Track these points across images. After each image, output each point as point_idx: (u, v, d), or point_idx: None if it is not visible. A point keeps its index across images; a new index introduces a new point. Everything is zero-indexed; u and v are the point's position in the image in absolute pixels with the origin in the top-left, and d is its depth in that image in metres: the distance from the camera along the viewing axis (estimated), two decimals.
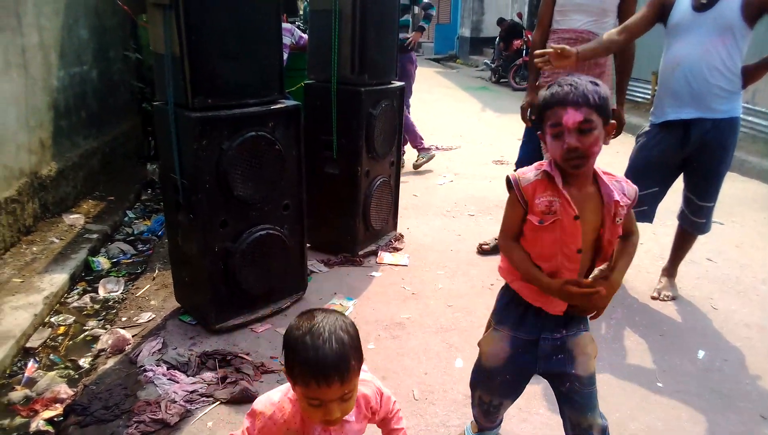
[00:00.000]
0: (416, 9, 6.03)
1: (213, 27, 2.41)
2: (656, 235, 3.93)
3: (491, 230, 4.00)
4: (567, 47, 2.59)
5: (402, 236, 3.88)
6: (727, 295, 3.20)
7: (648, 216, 3.04)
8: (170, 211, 2.77)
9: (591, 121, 1.43)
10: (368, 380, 1.45)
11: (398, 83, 3.60)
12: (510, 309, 1.68)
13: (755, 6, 2.59)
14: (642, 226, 3.36)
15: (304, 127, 3.40)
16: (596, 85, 1.46)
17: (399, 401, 2.20)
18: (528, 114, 3.38)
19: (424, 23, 6.17)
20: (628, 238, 1.64)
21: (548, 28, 3.25)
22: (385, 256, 3.58)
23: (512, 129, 7.39)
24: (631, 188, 1.58)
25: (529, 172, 1.55)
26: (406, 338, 2.70)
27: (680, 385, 2.41)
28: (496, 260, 3.36)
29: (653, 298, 3.13)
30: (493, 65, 13.59)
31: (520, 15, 13.27)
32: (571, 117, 1.43)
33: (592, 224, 1.53)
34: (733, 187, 5.39)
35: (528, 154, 3.44)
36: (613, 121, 1.51)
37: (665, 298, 3.10)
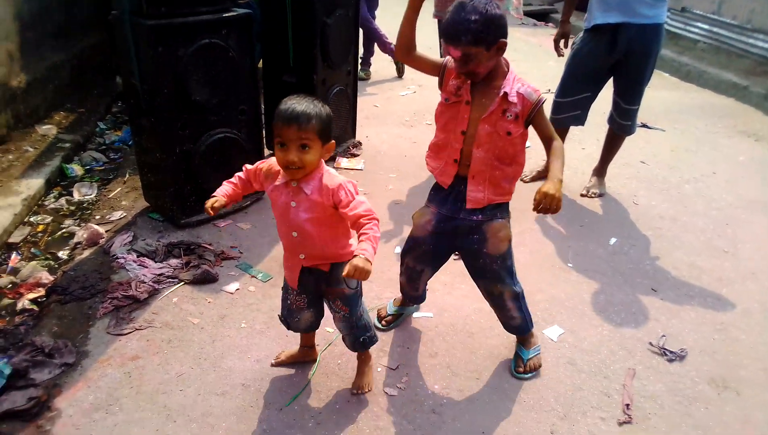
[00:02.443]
0: None
1: None
2: (599, 141, 4.19)
3: None
4: None
5: (360, 143, 4.11)
6: (650, 192, 3.52)
7: (580, 119, 3.30)
8: (134, 116, 2.97)
9: (469, 54, 1.70)
10: (339, 179, 1.66)
11: None
12: (437, 191, 2.00)
13: None
14: (586, 133, 3.66)
15: (263, 36, 3.56)
16: (476, 16, 1.64)
17: None
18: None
19: None
20: (550, 143, 1.88)
21: None
22: (342, 162, 3.83)
23: None
24: (535, 95, 1.79)
25: (451, 59, 1.82)
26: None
27: (588, 265, 2.76)
28: None
29: (582, 195, 3.44)
30: None
31: None
32: (453, 53, 1.74)
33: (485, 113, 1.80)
34: (686, 97, 5.64)
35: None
36: (501, 40, 1.71)
37: (593, 195, 3.41)
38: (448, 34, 1.72)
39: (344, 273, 1.50)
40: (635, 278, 2.66)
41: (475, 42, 1.67)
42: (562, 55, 3.40)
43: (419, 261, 2.10)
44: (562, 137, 3.47)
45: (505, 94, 1.76)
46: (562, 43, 3.38)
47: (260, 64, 5.03)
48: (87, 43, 5.36)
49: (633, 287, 2.60)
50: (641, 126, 4.64)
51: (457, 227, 1.95)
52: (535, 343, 2.18)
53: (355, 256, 1.52)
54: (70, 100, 4.87)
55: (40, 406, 1.92)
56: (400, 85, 5.69)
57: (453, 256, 2.22)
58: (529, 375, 2.11)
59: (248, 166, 1.80)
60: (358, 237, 1.60)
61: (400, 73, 6.01)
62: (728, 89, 5.71)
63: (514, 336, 2.17)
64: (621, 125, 3.29)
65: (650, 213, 3.27)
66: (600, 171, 3.51)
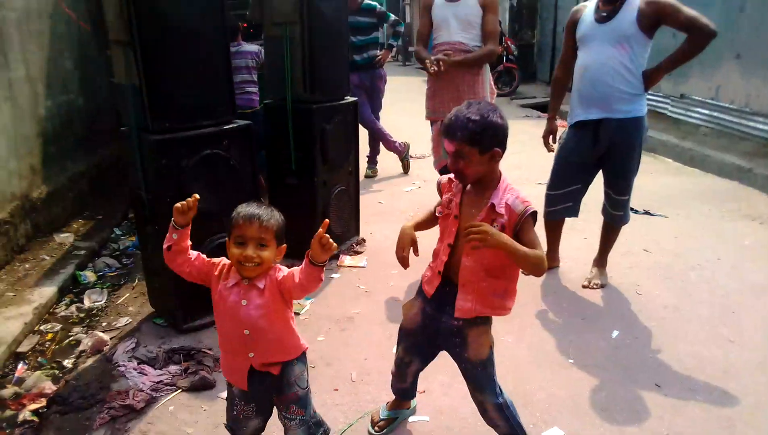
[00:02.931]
0: (385, 26, 6.36)
1: (167, 60, 2.73)
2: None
3: None
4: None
5: (364, 240, 4.19)
6: (653, 281, 3.49)
7: (573, 211, 3.37)
8: (140, 225, 3.10)
9: (461, 152, 1.74)
10: (282, 269, 1.79)
11: (351, 99, 3.93)
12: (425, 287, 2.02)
13: (649, 18, 2.92)
14: (587, 223, 3.67)
15: (267, 142, 3.76)
16: (476, 117, 1.71)
17: (339, 384, 2.54)
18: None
19: (393, 41, 6.51)
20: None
21: (426, 41, 3.91)
22: (346, 259, 3.89)
23: None
24: (522, 206, 1.76)
25: (447, 177, 1.92)
26: (353, 330, 3.01)
27: (589, 359, 2.71)
28: None
29: (584, 286, 3.43)
30: None
31: (499, 22, 13.56)
32: (447, 146, 1.79)
33: None
34: (689, 182, 5.68)
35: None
36: (497, 149, 1.75)
37: (594, 286, 3.40)
38: (447, 127, 1.78)
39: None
40: (638, 373, 2.60)
41: (470, 141, 1.72)
42: (552, 151, 3.50)
43: (408, 351, 2.12)
44: (558, 229, 3.53)
45: (493, 205, 1.77)
46: (550, 138, 3.50)
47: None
48: (107, 153, 5.66)
49: (636, 383, 2.53)
50: (644, 213, 4.68)
51: (439, 328, 1.96)
52: None
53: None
54: (89, 207, 5.09)
55: None
56: (406, 181, 5.85)
57: None
58: None
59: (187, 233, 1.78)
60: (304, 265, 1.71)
61: (406, 169, 6.19)
62: (732, 172, 5.76)
63: None
64: (613, 216, 3.34)
65: (653, 303, 3.23)
66: (600, 261, 3.52)
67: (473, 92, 3.69)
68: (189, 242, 1.79)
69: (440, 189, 1.97)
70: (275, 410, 1.93)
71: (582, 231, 4.21)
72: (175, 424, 2.35)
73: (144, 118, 2.76)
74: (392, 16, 6.35)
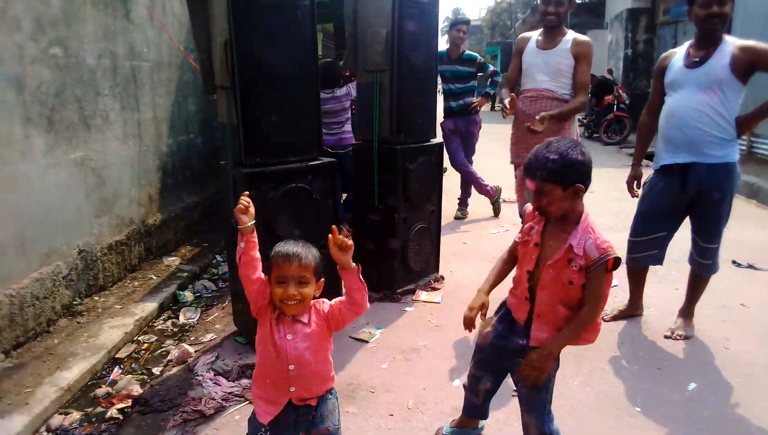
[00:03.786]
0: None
1: (263, 103, 3.02)
2: None
3: None
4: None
5: (442, 278, 4.24)
6: (746, 337, 3.23)
7: (658, 259, 3.23)
8: (230, 250, 3.38)
9: (542, 190, 1.82)
10: (325, 301, 1.85)
11: (436, 141, 4.07)
12: (503, 308, 2.12)
13: (743, 64, 2.83)
14: (681, 273, 3.48)
15: (355, 180, 3.99)
16: (555, 156, 1.78)
17: (394, 410, 2.61)
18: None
19: (490, 89, 6.65)
20: (581, 307, 1.87)
21: (515, 85, 3.84)
22: (422, 295, 3.96)
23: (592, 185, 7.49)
24: (596, 253, 1.79)
25: (531, 204, 1.99)
26: (417, 361, 3.05)
27: (659, 410, 2.56)
28: None
29: (666, 336, 3.24)
30: (585, 121, 13.67)
31: (610, 71, 13.32)
32: (529, 185, 1.86)
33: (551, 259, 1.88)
34: None
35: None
36: (579, 185, 1.79)
37: (678, 337, 3.21)
38: (528, 166, 1.86)
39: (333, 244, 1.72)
40: (711, 429, 2.42)
41: (550, 179, 1.78)
42: (636, 196, 3.39)
43: (478, 367, 2.20)
44: (641, 277, 3.39)
45: (570, 246, 1.81)
46: (634, 184, 3.40)
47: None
48: (218, 188, 6.18)
49: None
50: (747, 267, 4.35)
51: (507, 347, 2.03)
52: None
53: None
54: (197, 235, 5.56)
55: None
56: (494, 224, 5.84)
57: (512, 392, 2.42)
58: None
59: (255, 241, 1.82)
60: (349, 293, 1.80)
61: (497, 213, 6.20)
62: None
63: None
64: (701, 265, 3.16)
65: (741, 359, 2.99)
66: (686, 312, 3.32)
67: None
68: (258, 255, 1.79)
69: (525, 217, 2.04)
70: None
71: (675, 281, 3.99)
72: (239, 432, 2.50)
73: (239, 154, 3.06)
74: (491, 67, 6.51)
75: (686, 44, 3.10)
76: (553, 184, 1.78)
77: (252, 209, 1.83)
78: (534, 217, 1.95)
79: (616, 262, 1.81)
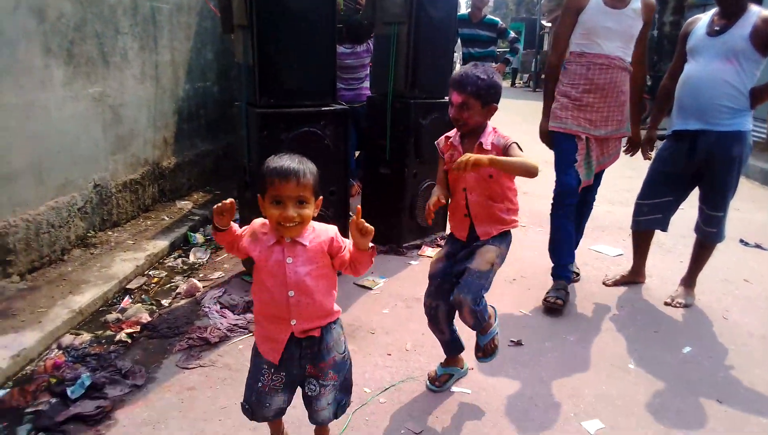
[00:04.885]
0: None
1: (279, 44, 3.05)
2: None
3: (537, 239, 4.28)
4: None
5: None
6: (746, 310, 3.26)
7: (662, 223, 3.25)
8: (240, 191, 3.44)
9: (467, 103, 2.08)
10: (330, 227, 1.69)
11: None
12: (451, 236, 2.36)
13: (764, 35, 2.81)
14: (687, 248, 3.50)
15: (366, 133, 4.00)
16: (484, 77, 2.07)
17: (393, 350, 2.67)
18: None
19: (510, 56, 6.60)
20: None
21: (565, 50, 3.23)
22: (427, 250, 4.02)
23: None
24: (503, 141, 2.11)
25: (443, 138, 2.25)
26: (417, 308, 3.11)
27: (651, 369, 2.62)
28: (526, 260, 3.68)
29: (666, 303, 3.28)
30: None
31: None
32: (456, 98, 2.11)
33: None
34: None
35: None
36: (494, 104, 2.12)
37: (677, 305, 3.25)
38: (458, 82, 2.09)
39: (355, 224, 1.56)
40: (701, 388, 2.47)
41: (476, 95, 2.07)
42: (649, 159, 3.42)
43: (432, 296, 2.34)
44: (645, 242, 3.41)
45: (480, 143, 2.12)
46: (648, 147, 3.43)
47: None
48: (232, 138, 6.23)
49: (695, 395, 2.41)
50: (755, 246, 4.36)
51: (459, 270, 2.23)
52: (490, 325, 2.31)
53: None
54: (210, 183, 5.63)
55: (104, 415, 2.21)
56: None
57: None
58: (489, 358, 2.35)
59: (234, 226, 1.70)
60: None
61: None
62: None
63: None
64: (706, 232, 3.18)
65: (739, 329, 3.03)
66: (688, 281, 3.35)
67: (623, 114, 3.26)
68: (238, 232, 1.71)
69: (441, 151, 2.27)
70: (298, 391, 1.81)
71: (680, 254, 4.01)
72: (240, 359, 2.60)
73: (253, 94, 3.09)
74: (512, 33, 6.45)
75: (712, 12, 3.09)
76: (477, 100, 2.07)
77: (230, 217, 1.64)
78: (450, 146, 2.22)
79: (517, 145, 2.10)
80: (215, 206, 1.63)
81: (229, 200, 1.62)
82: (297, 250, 1.61)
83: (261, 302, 1.69)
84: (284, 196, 1.54)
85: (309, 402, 1.78)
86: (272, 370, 1.71)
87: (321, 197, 1.67)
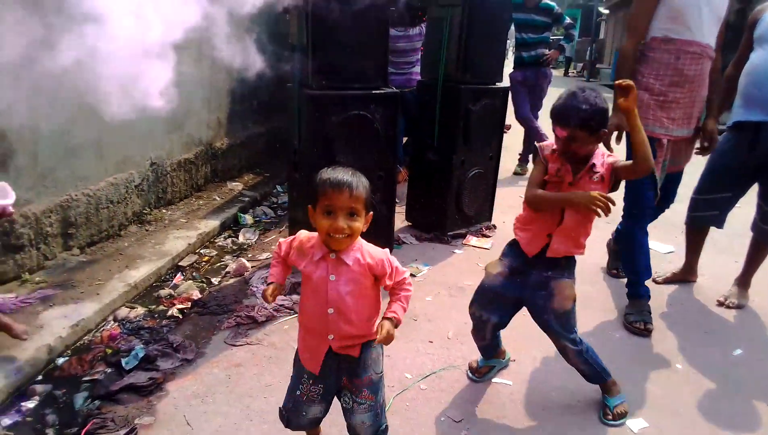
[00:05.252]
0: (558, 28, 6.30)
1: (333, 26, 3.05)
2: None
3: None
4: None
5: (495, 226, 4.25)
6: None
7: (719, 221, 3.13)
8: (290, 171, 3.49)
9: (575, 136, 1.94)
10: (380, 250, 1.65)
11: (502, 85, 4.01)
12: (513, 248, 2.19)
13: None
14: (744, 247, 3.36)
15: (415, 119, 3.97)
16: (586, 106, 1.91)
17: (435, 338, 2.68)
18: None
19: (564, 42, 6.44)
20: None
21: (644, 35, 2.80)
22: (472, 240, 3.99)
23: None
24: (612, 159, 2.01)
25: (548, 146, 2.09)
26: (460, 298, 3.12)
27: (700, 369, 2.55)
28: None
29: (719, 302, 3.18)
30: None
31: None
32: (559, 132, 1.98)
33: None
34: None
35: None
36: (604, 130, 1.96)
37: (730, 305, 3.14)
38: (560, 115, 1.96)
39: (377, 339, 1.53)
40: (751, 390, 2.39)
41: (582, 126, 1.92)
42: (705, 155, 3.24)
43: (483, 308, 2.24)
44: (699, 238, 3.30)
45: (593, 165, 1.99)
46: (704, 139, 3.24)
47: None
48: (282, 121, 6.30)
49: (745, 398, 2.34)
50: None
51: (527, 280, 2.12)
52: (618, 391, 2.24)
53: (386, 318, 1.56)
54: (261, 165, 5.74)
55: (156, 386, 2.30)
56: None
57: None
58: (619, 422, 2.17)
59: (281, 241, 1.75)
60: (391, 296, 1.63)
61: None
62: None
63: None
64: (763, 230, 3.05)
65: None
66: (742, 281, 3.22)
67: (701, 111, 3.00)
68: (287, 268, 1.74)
69: (543, 156, 2.07)
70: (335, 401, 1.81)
71: (736, 254, 3.86)
72: (285, 338, 2.66)
73: (306, 76, 3.12)
74: (568, 19, 6.29)
75: None
76: (583, 131, 1.92)
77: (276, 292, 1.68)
78: (556, 160, 2.03)
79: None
80: (266, 295, 1.66)
81: (275, 290, 1.66)
82: (341, 269, 1.59)
83: (303, 314, 1.71)
84: (336, 207, 1.53)
85: (345, 413, 1.77)
86: (311, 380, 1.72)
87: (371, 213, 1.63)
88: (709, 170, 3.13)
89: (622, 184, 2.14)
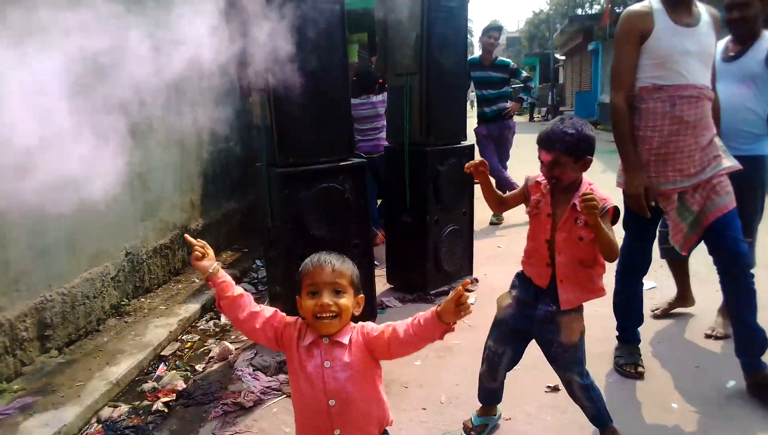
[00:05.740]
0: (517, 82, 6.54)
1: (295, 105, 3.12)
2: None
3: None
4: None
5: (476, 280, 4.27)
6: None
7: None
8: (266, 249, 3.50)
9: (558, 161, 2.00)
10: (359, 324, 1.59)
11: (466, 143, 4.12)
12: (521, 280, 2.24)
13: None
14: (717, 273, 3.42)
15: (385, 183, 4.03)
16: (572, 131, 1.99)
17: (428, 404, 2.65)
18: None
19: (523, 95, 6.68)
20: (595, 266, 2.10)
21: (632, 87, 2.63)
22: None
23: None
24: (600, 203, 1.92)
25: (536, 176, 2.18)
26: (450, 358, 3.10)
27: (695, 407, 2.54)
28: None
29: (707, 335, 3.21)
30: None
31: None
32: (545, 157, 2.05)
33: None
34: None
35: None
36: (589, 157, 2.01)
37: (718, 335, 3.17)
38: (546, 140, 2.03)
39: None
40: (747, 423, 2.39)
41: (566, 151, 1.99)
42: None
43: (500, 342, 2.27)
44: (679, 268, 3.44)
45: (574, 204, 2.01)
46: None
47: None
48: (256, 194, 6.34)
49: (744, 431, 2.33)
50: None
51: (534, 315, 2.16)
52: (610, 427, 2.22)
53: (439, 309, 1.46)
54: (237, 241, 5.73)
55: None
56: None
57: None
58: None
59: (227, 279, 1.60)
60: (404, 326, 1.52)
61: None
62: None
63: None
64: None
65: None
66: (725, 311, 3.26)
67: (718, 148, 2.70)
68: (238, 292, 1.59)
69: (528, 190, 2.20)
70: None
71: (716, 284, 3.89)
72: (275, 423, 2.60)
73: (272, 154, 3.18)
74: (524, 73, 6.54)
75: (726, 38, 3.12)
76: (568, 156, 1.99)
77: (210, 252, 1.59)
78: (539, 191, 2.12)
79: (616, 212, 2.02)
80: (192, 256, 1.58)
81: (197, 241, 1.58)
82: (335, 353, 1.49)
83: (299, 409, 1.57)
84: (320, 284, 1.47)
85: None
86: None
87: (363, 296, 1.56)
88: None
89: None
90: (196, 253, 1.57)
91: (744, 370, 2.61)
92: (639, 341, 3.00)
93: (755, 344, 2.56)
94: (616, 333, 3.05)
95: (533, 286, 2.17)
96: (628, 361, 2.89)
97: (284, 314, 1.60)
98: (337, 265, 1.49)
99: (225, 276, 1.59)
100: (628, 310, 2.98)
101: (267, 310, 1.59)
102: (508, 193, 2.44)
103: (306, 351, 1.51)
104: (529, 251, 2.21)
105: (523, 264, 2.25)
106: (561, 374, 2.19)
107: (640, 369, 2.85)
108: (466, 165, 2.21)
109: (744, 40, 2.95)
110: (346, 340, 1.50)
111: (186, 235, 1.62)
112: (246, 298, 1.59)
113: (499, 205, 2.38)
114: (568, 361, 2.13)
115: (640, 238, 2.84)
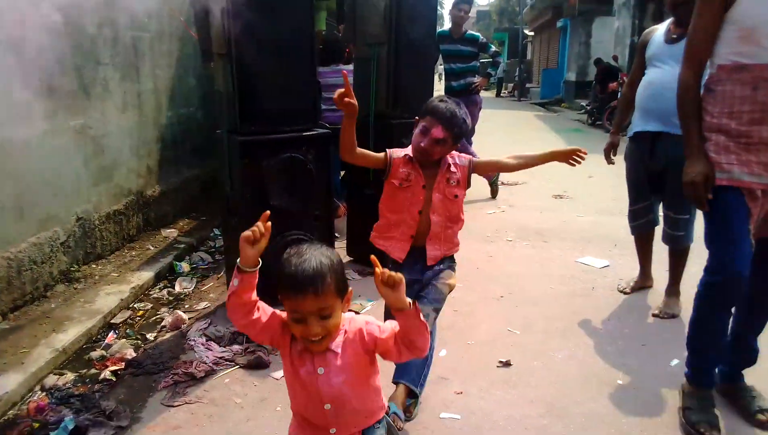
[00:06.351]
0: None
1: (258, 71, 3.04)
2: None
3: (524, 254, 4.28)
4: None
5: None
6: None
7: (650, 224, 3.44)
8: (224, 218, 3.42)
9: (446, 140, 2.18)
10: (358, 318, 1.49)
11: None
12: (395, 265, 2.29)
13: None
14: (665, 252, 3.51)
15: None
16: (468, 120, 2.25)
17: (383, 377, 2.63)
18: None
19: (491, 70, 6.65)
20: (506, 160, 2.38)
21: (705, 63, 2.24)
22: None
23: (588, 168, 7.48)
24: (466, 160, 2.31)
25: (400, 151, 2.31)
26: None
27: (640, 383, 2.61)
28: (514, 276, 3.69)
29: (654, 315, 3.29)
30: (588, 107, 13.62)
31: (615, 57, 13.27)
32: (438, 132, 2.16)
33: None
34: None
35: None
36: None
37: (665, 316, 3.25)
38: (448, 119, 2.15)
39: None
40: None
41: (457, 136, 2.19)
42: (612, 163, 3.63)
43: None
44: (647, 244, 3.58)
45: (448, 165, 2.24)
46: (611, 152, 3.63)
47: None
48: (218, 163, 6.20)
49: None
50: None
51: (421, 281, 2.30)
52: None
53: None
54: (196, 209, 5.59)
55: None
56: (491, 205, 5.87)
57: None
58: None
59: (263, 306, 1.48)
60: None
61: (494, 194, 6.22)
62: None
63: None
64: (673, 237, 3.28)
65: None
66: (671, 290, 3.37)
67: None
68: (252, 298, 1.45)
69: (391, 164, 2.28)
70: None
71: (665, 262, 4.01)
72: (227, 394, 2.56)
73: (234, 122, 3.08)
74: (493, 48, 6.50)
75: (668, 21, 3.22)
76: (454, 140, 2.20)
77: (263, 244, 1.41)
78: (408, 166, 2.25)
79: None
80: (245, 234, 1.39)
81: (266, 226, 1.41)
82: (328, 359, 1.42)
83: (295, 402, 1.53)
84: (304, 313, 1.35)
85: None
86: None
87: (350, 290, 1.44)
88: (629, 182, 3.45)
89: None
90: (252, 234, 1.40)
91: (721, 379, 2.44)
92: (714, 385, 2.38)
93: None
94: (685, 369, 2.43)
95: (407, 263, 2.27)
96: (701, 418, 2.23)
97: (281, 314, 1.48)
98: (320, 288, 1.32)
99: (256, 278, 1.44)
100: (711, 345, 2.29)
101: (264, 314, 1.47)
102: (366, 151, 2.32)
103: (298, 356, 1.44)
104: (387, 225, 2.33)
105: (380, 237, 2.37)
106: (422, 307, 2.11)
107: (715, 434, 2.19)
108: (336, 93, 2.04)
109: (687, 22, 2.94)
110: (338, 349, 1.42)
111: (260, 220, 1.43)
112: (254, 307, 1.46)
113: (350, 152, 2.24)
114: (431, 300, 2.26)
115: (721, 245, 2.21)
